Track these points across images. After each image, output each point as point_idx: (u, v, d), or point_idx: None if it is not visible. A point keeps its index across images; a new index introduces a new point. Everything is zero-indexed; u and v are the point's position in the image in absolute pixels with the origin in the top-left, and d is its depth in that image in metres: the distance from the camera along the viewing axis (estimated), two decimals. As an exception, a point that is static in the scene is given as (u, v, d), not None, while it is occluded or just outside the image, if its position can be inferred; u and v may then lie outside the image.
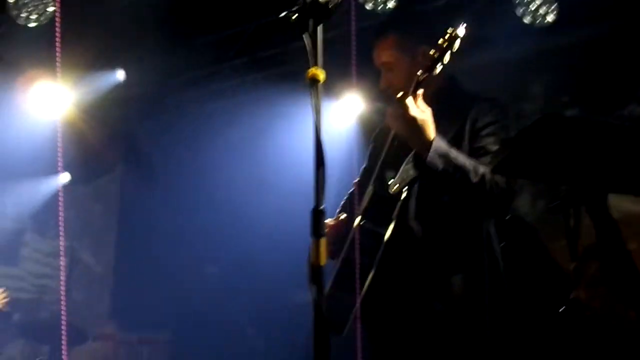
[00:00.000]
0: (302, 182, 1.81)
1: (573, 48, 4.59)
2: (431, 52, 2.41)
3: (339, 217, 2.74)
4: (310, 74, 1.69)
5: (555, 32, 4.47)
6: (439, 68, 2.41)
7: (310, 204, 1.61)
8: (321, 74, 1.69)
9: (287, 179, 4.33)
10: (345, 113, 5.28)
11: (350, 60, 3.63)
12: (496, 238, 2.67)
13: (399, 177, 2.59)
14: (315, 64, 1.70)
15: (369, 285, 2.53)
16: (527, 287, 3.33)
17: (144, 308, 6.10)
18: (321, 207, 1.63)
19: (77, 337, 5.38)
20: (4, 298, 4.91)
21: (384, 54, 2.67)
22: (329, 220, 2.70)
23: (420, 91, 2.43)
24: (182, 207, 6.13)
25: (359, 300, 2.55)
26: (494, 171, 2.40)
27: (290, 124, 5.00)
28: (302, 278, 1.76)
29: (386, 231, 2.56)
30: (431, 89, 2.54)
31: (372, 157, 2.80)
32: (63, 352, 4.02)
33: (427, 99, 2.50)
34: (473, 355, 2.54)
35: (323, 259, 1.61)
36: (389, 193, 2.64)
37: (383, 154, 2.69)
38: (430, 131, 2.38)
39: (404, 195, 2.56)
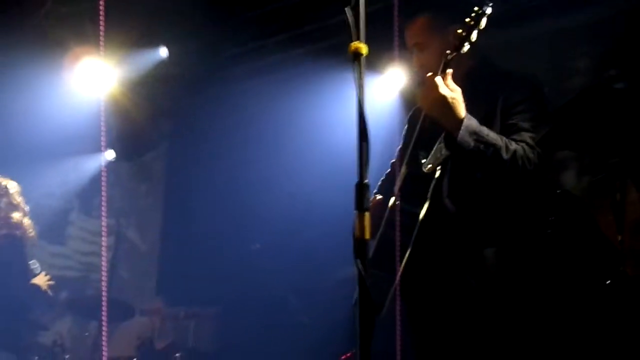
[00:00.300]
0: (346, 157, 1.84)
1: (619, 19, 4.44)
2: (459, 31, 2.43)
3: (375, 197, 2.81)
4: (352, 48, 1.69)
5: (601, 3, 4.38)
6: (466, 47, 2.44)
7: (353, 178, 1.61)
8: (364, 48, 1.68)
9: (331, 154, 4.34)
10: (387, 87, 5.24)
11: (393, 34, 3.41)
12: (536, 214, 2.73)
13: (431, 157, 2.63)
14: (358, 38, 1.69)
15: (406, 264, 2.58)
16: (576, 260, 3.25)
17: (190, 283, 6.16)
18: (365, 181, 1.63)
19: (124, 312, 5.55)
20: (48, 280, 5.00)
21: (416, 35, 2.69)
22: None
23: (450, 71, 2.45)
24: (227, 183, 6.13)
25: (398, 278, 2.59)
26: (538, 144, 2.46)
27: (334, 99, 4.92)
28: (345, 254, 1.71)
29: (421, 210, 2.60)
30: (463, 69, 2.59)
31: (406, 138, 2.83)
32: (103, 328, 4.13)
33: (459, 79, 2.53)
34: (510, 331, 2.54)
35: (367, 233, 1.62)
36: (422, 173, 2.68)
37: (415, 135, 2.70)
38: (461, 110, 2.41)
39: (437, 174, 2.60)
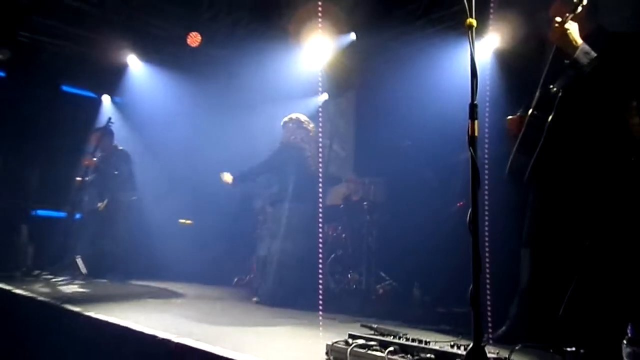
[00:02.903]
0: (462, 99, 2.19)
1: None
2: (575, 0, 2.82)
3: (517, 115, 3.28)
4: (467, 23, 2.15)
5: None
6: (579, 9, 2.82)
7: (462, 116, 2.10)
8: (474, 22, 2.14)
9: (451, 97, 3.96)
10: (484, 49, 5.78)
11: (489, 12, 4.85)
12: None
13: (557, 83, 3.02)
14: (471, 16, 2.15)
15: (539, 151, 2.98)
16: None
17: (372, 163, 7.21)
18: (475, 102, 2.07)
19: (335, 179, 6.88)
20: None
21: (554, 9, 3.05)
22: (511, 117, 3.38)
23: (570, 16, 2.84)
24: (396, 113, 6.63)
25: (532, 161, 2.99)
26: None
27: (453, 60, 5.61)
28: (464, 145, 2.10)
29: (549, 117, 2.99)
30: (584, 33, 2.92)
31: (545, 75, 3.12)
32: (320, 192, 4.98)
33: (582, 37, 2.87)
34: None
35: (476, 131, 2.05)
36: (551, 94, 3.05)
37: (546, 70, 3.09)
38: (577, 38, 2.81)
39: (560, 94, 2.98)
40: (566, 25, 2.80)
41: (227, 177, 5.70)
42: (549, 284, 2.96)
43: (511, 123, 3.34)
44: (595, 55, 2.77)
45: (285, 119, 5.74)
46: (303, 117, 5.73)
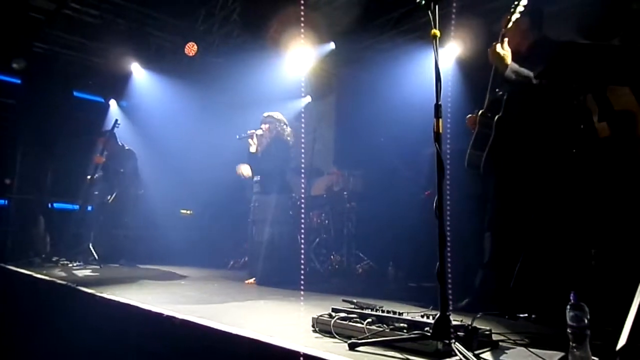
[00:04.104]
0: (428, 100, 2.17)
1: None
2: (507, 17, 2.89)
3: (474, 113, 3.28)
4: (432, 33, 2.14)
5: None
6: (510, 24, 2.89)
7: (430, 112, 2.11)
8: (438, 33, 2.14)
9: (418, 98, 3.58)
10: (446, 56, 5.99)
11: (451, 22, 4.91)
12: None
13: (502, 88, 3.17)
14: (435, 27, 2.14)
15: (490, 146, 3.09)
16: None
17: (351, 158, 7.23)
18: (439, 102, 2.11)
19: (319, 172, 7.15)
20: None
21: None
22: (470, 116, 3.37)
23: (505, 39, 2.95)
24: (370, 111, 6.63)
25: (484, 155, 3.07)
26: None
27: (420, 66, 5.61)
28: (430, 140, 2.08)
29: (495, 117, 3.15)
30: (531, 40, 3.10)
31: (491, 83, 3.21)
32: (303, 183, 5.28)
33: (525, 48, 3.05)
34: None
35: (440, 128, 2.09)
36: (497, 97, 3.19)
37: (491, 78, 3.18)
38: (508, 60, 2.96)
39: (505, 97, 3.13)
40: (498, 49, 2.88)
41: (246, 170, 5.35)
42: (507, 261, 3.00)
43: (470, 120, 3.36)
44: (524, 73, 2.85)
45: (269, 114, 5.45)
46: (281, 116, 5.48)
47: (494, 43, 2.93)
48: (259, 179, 5.24)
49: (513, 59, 2.98)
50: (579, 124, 3.00)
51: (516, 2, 2.79)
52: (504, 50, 2.92)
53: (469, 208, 3.86)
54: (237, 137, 5.29)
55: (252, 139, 5.28)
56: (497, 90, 3.15)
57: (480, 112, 3.18)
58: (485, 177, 3.17)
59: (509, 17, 2.85)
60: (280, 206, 5.16)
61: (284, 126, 5.31)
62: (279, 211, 5.12)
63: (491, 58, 2.97)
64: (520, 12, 2.78)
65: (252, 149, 5.26)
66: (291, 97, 7.35)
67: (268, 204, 5.11)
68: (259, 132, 5.28)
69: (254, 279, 5.05)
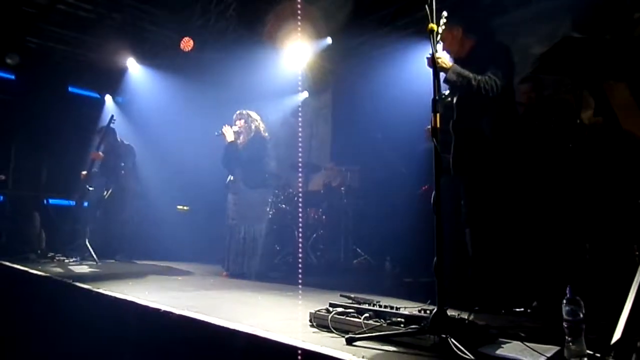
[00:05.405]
0: (425, 93, 2.21)
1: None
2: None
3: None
4: (429, 27, 2.21)
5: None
6: (438, 37, 2.63)
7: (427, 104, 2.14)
8: (435, 27, 2.21)
9: (415, 93, 3.82)
10: (443, 50, 5.34)
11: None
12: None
13: (449, 93, 3.26)
14: (432, 21, 2.18)
15: (453, 148, 3.13)
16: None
17: (348, 153, 7.27)
18: (436, 97, 2.10)
19: (316, 168, 7.23)
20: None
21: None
22: (428, 128, 3.16)
23: (440, 46, 2.91)
24: (365, 106, 6.80)
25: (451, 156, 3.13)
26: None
27: (416, 61, 5.34)
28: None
29: (450, 122, 3.19)
30: (470, 45, 3.18)
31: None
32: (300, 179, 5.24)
33: (465, 54, 3.13)
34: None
35: (438, 123, 2.12)
36: (446, 104, 3.20)
37: (434, 86, 2.66)
38: (448, 63, 3.06)
39: (454, 100, 3.20)
40: (436, 56, 2.73)
41: (228, 133, 5.23)
42: (487, 255, 3.03)
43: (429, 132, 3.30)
44: (465, 74, 2.90)
45: (242, 111, 5.37)
46: (254, 114, 5.41)
47: (430, 53, 2.74)
48: (232, 179, 5.24)
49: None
50: (556, 119, 3.41)
51: (442, 16, 2.73)
52: (441, 57, 2.92)
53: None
54: (216, 133, 5.29)
55: (226, 132, 5.26)
56: (444, 95, 3.18)
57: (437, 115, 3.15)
58: (455, 178, 3.19)
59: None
60: (263, 201, 5.17)
61: (259, 123, 5.29)
62: (261, 207, 5.13)
63: (431, 65, 2.77)
64: (444, 24, 2.69)
65: (230, 138, 5.21)
66: (288, 93, 7.43)
67: (249, 200, 5.11)
68: (235, 128, 5.27)
69: (226, 273, 5.12)
